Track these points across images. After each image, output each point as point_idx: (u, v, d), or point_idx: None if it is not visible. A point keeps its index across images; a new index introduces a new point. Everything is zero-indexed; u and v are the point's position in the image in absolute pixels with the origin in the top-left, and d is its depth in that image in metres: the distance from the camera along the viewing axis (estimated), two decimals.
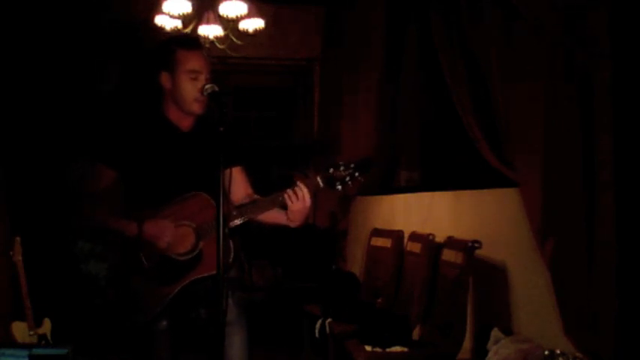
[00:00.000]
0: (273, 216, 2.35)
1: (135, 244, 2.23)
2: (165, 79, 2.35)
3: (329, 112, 5.78)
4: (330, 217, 5.64)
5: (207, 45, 4.58)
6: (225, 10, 4.42)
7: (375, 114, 5.12)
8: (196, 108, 2.33)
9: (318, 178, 2.24)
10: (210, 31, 4.54)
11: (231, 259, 2.30)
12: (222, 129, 2.05)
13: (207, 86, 2.24)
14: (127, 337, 2.45)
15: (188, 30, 4.51)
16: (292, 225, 2.32)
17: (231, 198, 2.37)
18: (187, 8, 4.34)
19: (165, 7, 4.31)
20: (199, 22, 4.53)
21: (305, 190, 2.23)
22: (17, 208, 4.57)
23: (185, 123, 2.40)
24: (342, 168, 2.24)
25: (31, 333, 3.77)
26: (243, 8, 4.42)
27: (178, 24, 4.44)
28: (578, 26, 2.65)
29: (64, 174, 2.41)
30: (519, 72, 3.00)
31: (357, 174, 2.24)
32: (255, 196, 2.41)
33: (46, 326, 3.89)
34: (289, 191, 2.23)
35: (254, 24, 4.55)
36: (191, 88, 2.30)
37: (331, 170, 2.24)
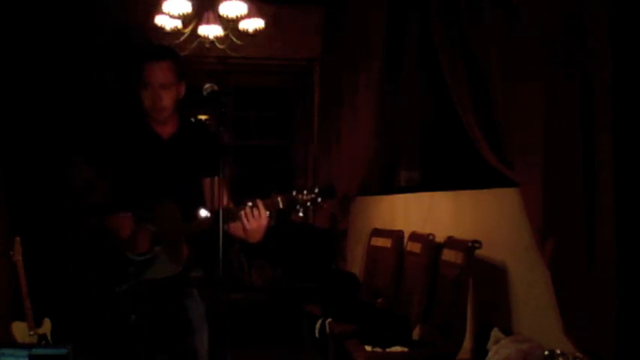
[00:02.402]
0: (235, 229, 2.34)
1: (101, 233, 2.34)
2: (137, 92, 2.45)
3: (329, 112, 5.78)
4: (330, 218, 5.64)
5: (207, 45, 4.59)
6: (225, 10, 4.42)
7: (375, 114, 5.12)
8: (155, 115, 2.42)
9: (279, 199, 2.23)
10: (210, 31, 4.54)
11: (177, 271, 2.36)
12: (221, 128, 2.15)
13: (206, 86, 2.28)
14: (99, 333, 2.53)
15: (188, 30, 4.51)
16: (250, 241, 2.30)
17: (206, 202, 2.42)
18: (187, 8, 4.35)
19: (165, 7, 4.32)
20: (199, 22, 4.53)
21: (262, 210, 2.22)
22: (17, 208, 4.57)
23: (166, 131, 2.47)
24: (305, 192, 2.23)
25: (31, 333, 3.77)
26: (243, 8, 4.42)
27: (178, 24, 4.44)
28: (578, 26, 2.65)
29: (59, 170, 2.54)
30: (519, 72, 2.99)
31: (319, 199, 2.22)
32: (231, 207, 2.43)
33: (46, 326, 3.89)
34: (247, 209, 2.22)
35: (254, 24, 4.56)
36: (144, 97, 2.40)
37: (294, 193, 2.23)
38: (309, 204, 2.22)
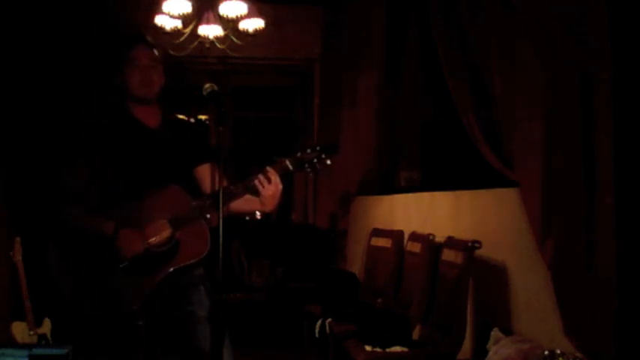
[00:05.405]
0: (247, 204, 2.37)
1: (111, 242, 2.29)
2: (119, 77, 2.46)
3: (329, 113, 5.78)
4: (330, 217, 5.63)
5: (207, 45, 4.58)
6: (225, 10, 4.42)
7: (375, 114, 5.12)
8: (143, 92, 2.43)
9: (287, 162, 2.29)
10: (210, 31, 4.54)
11: (206, 251, 2.31)
12: (221, 128, 2.15)
13: (206, 85, 2.29)
14: (106, 336, 2.49)
15: (188, 30, 4.51)
16: (266, 210, 2.35)
17: (205, 190, 2.43)
18: (187, 8, 4.34)
19: (165, 7, 4.31)
20: (199, 22, 4.53)
21: (275, 174, 2.27)
22: (17, 208, 4.57)
23: (151, 122, 2.48)
24: (309, 150, 2.29)
25: (31, 333, 3.77)
26: (243, 8, 4.42)
27: (178, 24, 4.44)
28: (578, 26, 2.65)
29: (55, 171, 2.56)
30: (519, 72, 3.00)
31: (323, 156, 2.29)
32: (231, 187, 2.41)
33: (46, 326, 3.89)
34: (260, 176, 2.26)
35: (254, 24, 4.55)
36: (132, 76, 2.42)
37: (299, 154, 2.29)
38: (315, 161, 2.28)
